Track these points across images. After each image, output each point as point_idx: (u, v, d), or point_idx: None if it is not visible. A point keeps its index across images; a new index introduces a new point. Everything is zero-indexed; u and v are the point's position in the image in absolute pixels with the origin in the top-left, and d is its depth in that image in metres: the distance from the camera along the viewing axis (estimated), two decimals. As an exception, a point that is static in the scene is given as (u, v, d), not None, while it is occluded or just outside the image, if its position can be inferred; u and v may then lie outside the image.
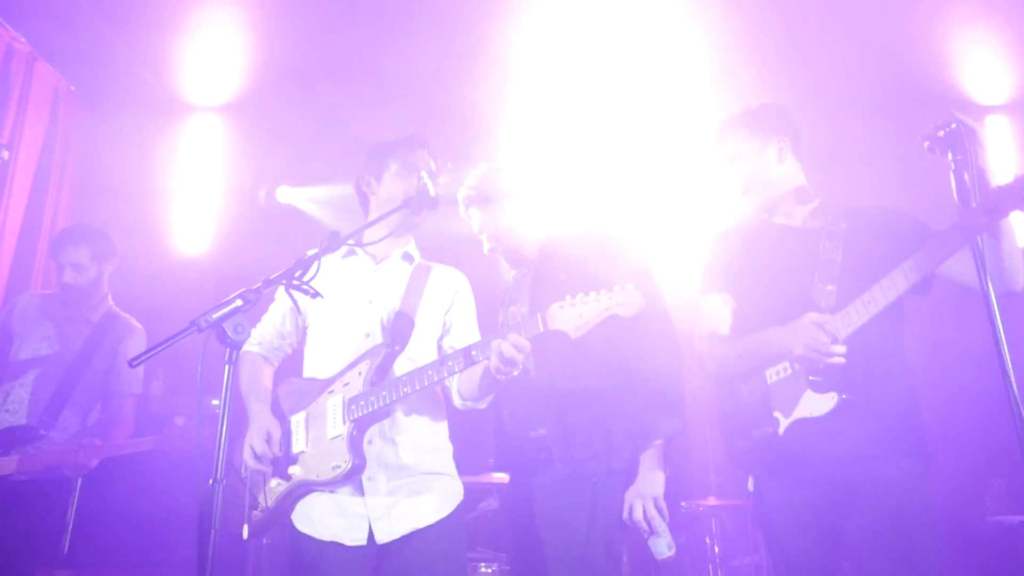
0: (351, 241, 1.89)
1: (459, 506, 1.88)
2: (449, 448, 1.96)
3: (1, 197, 3.38)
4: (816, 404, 1.72)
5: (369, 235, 1.92)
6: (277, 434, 1.81)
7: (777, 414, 1.79)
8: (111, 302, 2.79)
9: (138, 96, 4.05)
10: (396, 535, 1.78)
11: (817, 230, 1.92)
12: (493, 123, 4.10)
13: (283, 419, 1.88)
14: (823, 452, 1.71)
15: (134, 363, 1.40)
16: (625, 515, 1.89)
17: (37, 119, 3.67)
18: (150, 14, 3.53)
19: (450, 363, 1.73)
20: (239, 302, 1.51)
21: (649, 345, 1.95)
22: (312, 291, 1.65)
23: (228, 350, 1.48)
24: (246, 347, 2.01)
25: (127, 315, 2.80)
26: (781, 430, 1.77)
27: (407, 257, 2.03)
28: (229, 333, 1.48)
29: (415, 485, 1.83)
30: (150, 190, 4.20)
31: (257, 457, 1.78)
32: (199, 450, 1.37)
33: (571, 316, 1.61)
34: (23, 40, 3.56)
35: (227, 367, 1.47)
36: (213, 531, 1.38)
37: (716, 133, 2.06)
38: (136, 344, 2.73)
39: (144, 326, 2.80)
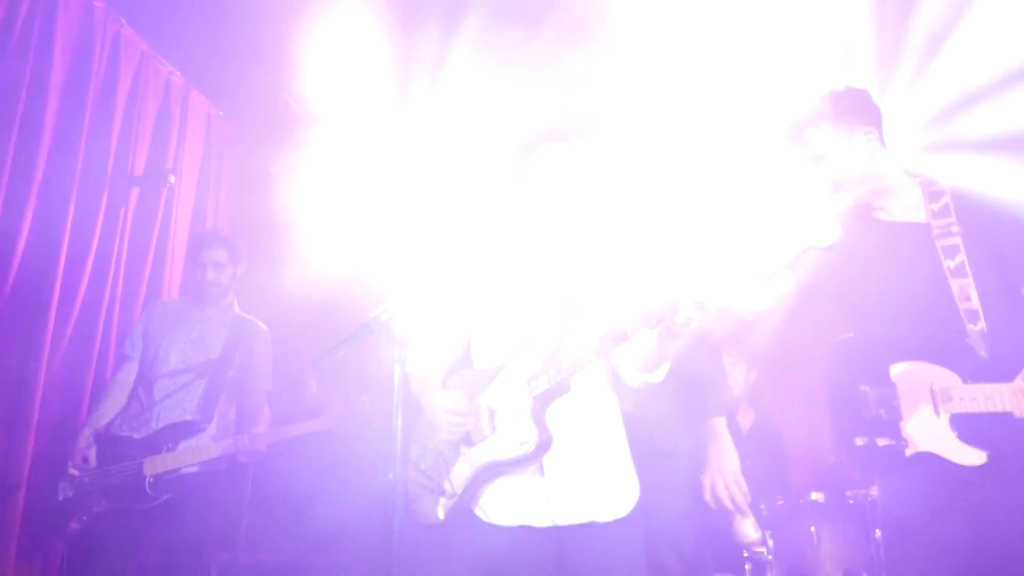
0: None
1: (637, 506, 1.84)
2: (625, 441, 1.92)
3: (170, 217, 3.70)
4: (961, 453, 1.62)
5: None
6: (462, 399, 1.83)
7: (908, 435, 1.67)
8: (237, 306, 3.01)
9: (276, 114, 4.32)
10: (576, 520, 1.77)
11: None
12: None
13: None
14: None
15: (317, 363, 1.48)
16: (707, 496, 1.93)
17: (194, 144, 4.00)
18: (287, 41, 3.74)
19: (633, 324, 1.67)
20: (403, 304, 1.57)
21: None
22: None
23: (396, 348, 1.54)
24: (414, 366, 2.01)
25: (252, 317, 3.03)
26: (908, 452, 1.67)
27: (569, 238, 2.00)
28: (397, 332, 1.54)
29: (595, 471, 1.81)
30: (292, 202, 4.46)
31: (453, 413, 1.80)
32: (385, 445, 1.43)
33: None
34: (178, 74, 3.89)
35: (396, 365, 1.53)
36: (396, 521, 1.44)
37: (793, 129, 1.87)
38: (265, 344, 2.96)
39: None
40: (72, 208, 3.14)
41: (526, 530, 1.79)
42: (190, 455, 2.60)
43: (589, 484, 1.80)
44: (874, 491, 2.52)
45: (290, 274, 4.41)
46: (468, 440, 1.84)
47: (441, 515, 1.86)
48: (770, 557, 2.67)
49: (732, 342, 3.46)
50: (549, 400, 1.80)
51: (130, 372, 2.84)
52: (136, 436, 2.64)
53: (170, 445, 2.61)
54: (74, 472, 2.56)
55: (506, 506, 1.82)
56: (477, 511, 1.86)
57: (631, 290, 1.92)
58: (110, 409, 2.76)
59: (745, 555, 2.63)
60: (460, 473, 1.85)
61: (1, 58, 2.86)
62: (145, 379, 2.77)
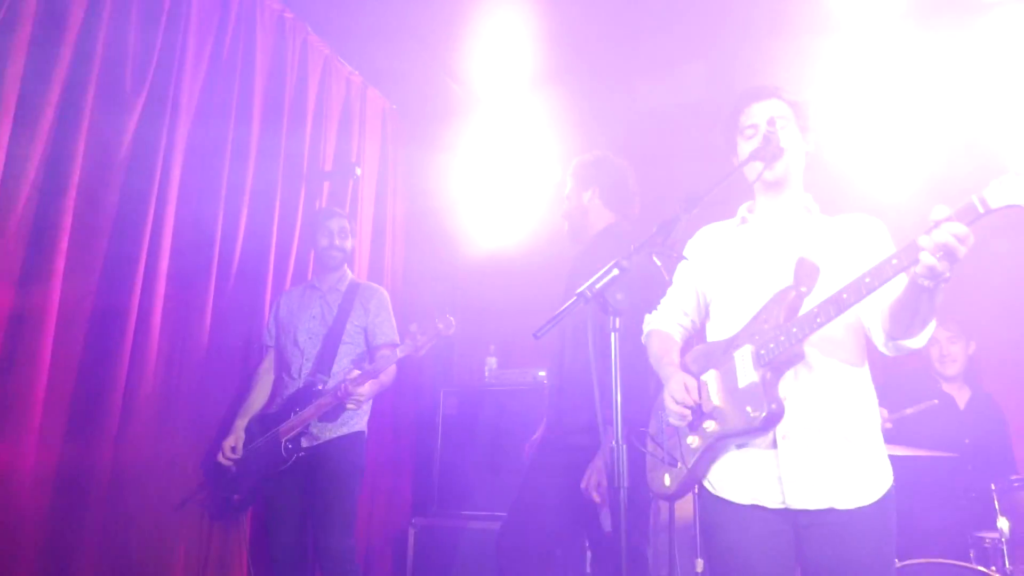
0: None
1: (889, 493, 1.71)
2: (877, 414, 1.79)
3: (356, 207, 3.97)
4: None
5: (760, 202, 1.93)
6: (693, 384, 1.81)
7: None
8: (351, 273, 3.20)
9: (444, 102, 4.49)
10: (811, 506, 1.68)
11: None
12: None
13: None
14: None
15: (538, 335, 1.53)
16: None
17: (373, 138, 4.25)
18: (449, 27, 3.86)
19: (868, 279, 1.53)
20: (616, 272, 1.58)
21: None
22: (676, 254, 1.65)
23: (611, 318, 1.55)
24: (653, 325, 2.06)
25: (367, 282, 3.24)
26: None
27: (807, 211, 1.94)
28: (610, 301, 1.55)
29: (836, 452, 1.70)
30: (462, 184, 4.63)
31: (678, 403, 1.79)
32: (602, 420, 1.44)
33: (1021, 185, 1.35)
34: (357, 73, 4.15)
35: (612, 335, 1.54)
36: (621, 490, 1.46)
37: None
38: (382, 300, 3.12)
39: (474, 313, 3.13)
40: (278, 205, 3.46)
41: (757, 509, 1.73)
42: (311, 412, 2.82)
43: (828, 465, 1.69)
44: None
45: (461, 254, 4.60)
46: (699, 414, 1.80)
47: (668, 483, 1.85)
48: (1004, 540, 2.43)
49: (951, 316, 3.17)
50: (781, 370, 1.71)
51: (270, 360, 3.13)
52: (274, 410, 2.94)
53: (297, 409, 2.86)
54: (223, 462, 2.89)
55: (735, 482, 1.77)
56: (706, 484, 1.84)
57: (870, 250, 1.76)
58: (258, 398, 3.05)
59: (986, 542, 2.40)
60: (691, 446, 1.82)
61: (216, 74, 3.19)
62: (284, 361, 3.04)
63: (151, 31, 2.88)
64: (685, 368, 1.91)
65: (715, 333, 1.93)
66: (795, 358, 1.68)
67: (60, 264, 2.45)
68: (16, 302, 2.38)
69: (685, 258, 1.68)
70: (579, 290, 1.56)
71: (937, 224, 1.40)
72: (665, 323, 2.05)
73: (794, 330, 1.64)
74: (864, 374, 1.79)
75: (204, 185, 3.10)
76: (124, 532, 2.66)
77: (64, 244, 2.47)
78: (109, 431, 2.62)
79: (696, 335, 2.05)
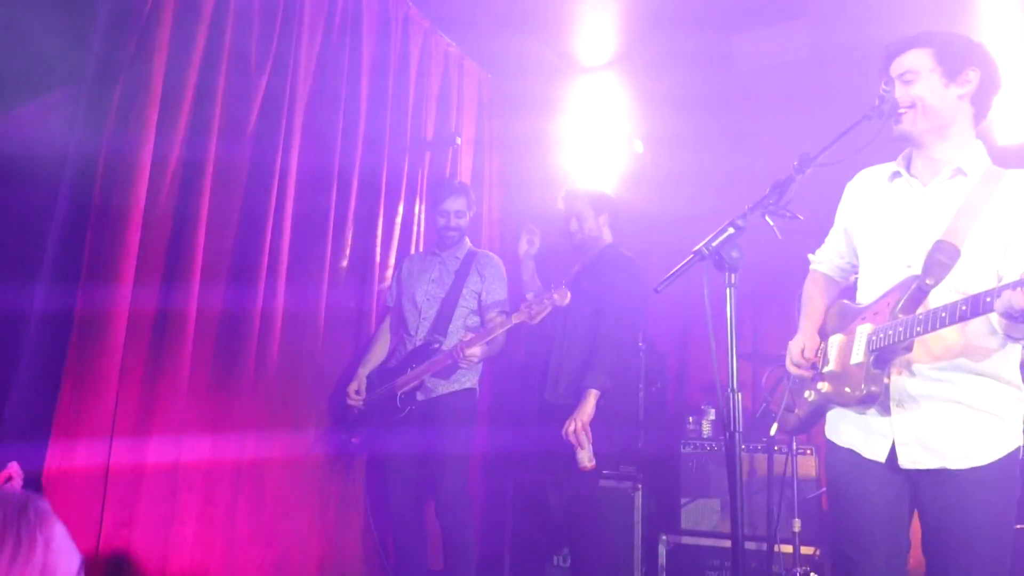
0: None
1: (1011, 453, 1.70)
2: (1012, 390, 1.75)
3: (455, 176, 4.11)
4: None
5: (916, 154, 1.86)
6: (812, 348, 1.94)
7: None
8: (469, 243, 3.37)
9: (539, 69, 4.56)
10: (920, 465, 1.73)
11: None
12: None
13: (824, 337, 1.99)
14: None
15: (659, 289, 1.62)
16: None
17: (470, 107, 4.38)
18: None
19: (963, 308, 1.53)
20: (731, 230, 1.65)
21: None
22: (790, 214, 1.70)
23: (727, 273, 1.62)
24: (813, 265, 2.14)
25: (484, 250, 3.41)
26: None
27: (958, 172, 1.79)
28: (726, 258, 1.62)
29: (951, 418, 1.71)
30: (557, 149, 4.71)
31: (794, 363, 1.94)
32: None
33: None
34: (454, 45, 4.27)
35: (728, 290, 1.62)
36: (736, 433, 1.55)
37: None
38: (497, 268, 3.29)
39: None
40: (384, 174, 3.65)
41: (873, 463, 1.81)
42: (426, 369, 3.04)
43: (941, 431, 1.72)
44: None
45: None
46: (821, 370, 1.92)
47: (773, 431, 2.14)
48: None
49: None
50: (888, 357, 1.75)
51: (391, 319, 3.37)
52: (393, 365, 3.20)
53: (414, 365, 3.09)
54: (351, 402, 3.19)
55: (852, 436, 1.86)
56: (828, 432, 1.95)
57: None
58: (378, 352, 3.32)
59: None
60: (806, 399, 1.96)
61: (327, 49, 3.37)
62: (403, 320, 3.29)
63: (271, 13, 3.07)
64: (824, 322, 1.98)
65: (861, 291, 1.97)
66: (903, 351, 1.72)
67: (201, 233, 2.71)
68: (167, 267, 2.65)
69: (799, 218, 1.71)
70: (696, 247, 1.63)
71: (1020, 284, 1.39)
72: (824, 263, 2.13)
73: (901, 329, 1.67)
74: (994, 356, 1.73)
75: (320, 160, 3.31)
76: (259, 475, 2.94)
77: (204, 210, 2.72)
78: (247, 383, 2.90)
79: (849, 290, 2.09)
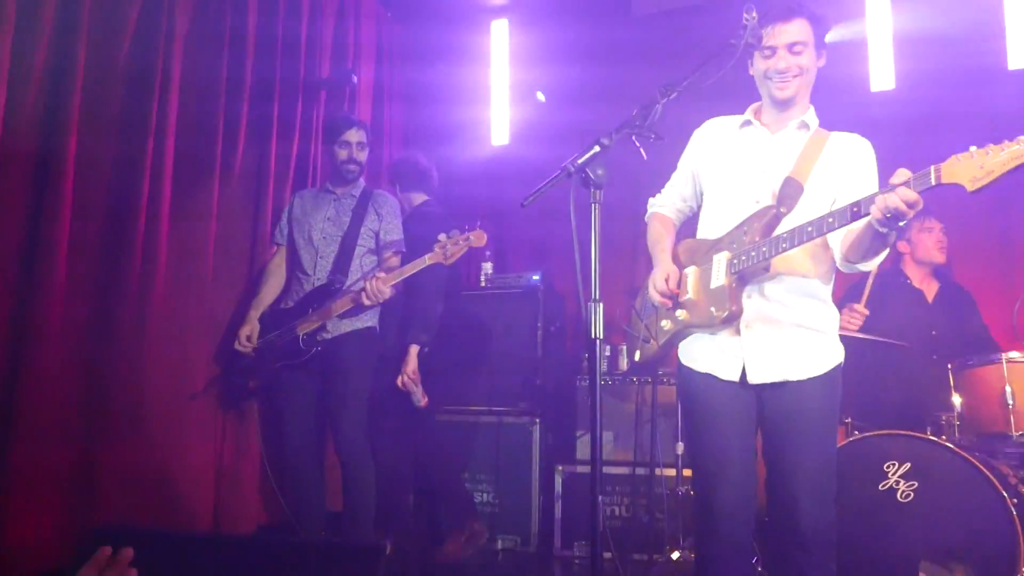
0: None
1: (836, 367, 1.95)
2: (833, 310, 2.02)
3: (352, 113, 4.01)
4: None
5: (766, 108, 2.05)
6: (675, 276, 2.05)
7: None
8: (363, 181, 3.31)
9: (438, 14, 4.48)
10: (767, 379, 1.92)
11: None
12: None
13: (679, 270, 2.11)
14: None
15: (525, 203, 1.66)
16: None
17: (369, 45, 4.27)
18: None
19: (831, 219, 1.73)
20: (597, 148, 1.69)
21: None
22: (655, 136, 1.77)
23: (592, 190, 1.68)
24: (655, 209, 2.26)
25: (379, 190, 3.35)
26: None
27: (803, 126, 2.03)
28: (592, 176, 1.68)
29: (791, 338, 1.92)
30: (458, 92, 4.66)
31: (659, 292, 2.04)
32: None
33: (970, 167, 1.51)
34: (351, -21, 4.12)
35: (593, 206, 1.68)
36: (597, 341, 1.63)
37: None
38: (393, 206, 3.26)
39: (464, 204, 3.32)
40: (276, 115, 3.53)
41: (713, 377, 1.99)
42: (329, 311, 3.00)
43: (783, 348, 1.92)
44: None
45: (457, 161, 4.67)
46: (675, 302, 2.04)
47: (638, 358, 2.17)
48: (956, 415, 2.65)
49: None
50: (747, 279, 1.92)
51: (282, 257, 3.27)
52: (291, 306, 3.12)
53: (315, 306, 3.03)
54: (240, 349, 3.08)
55: (704, 357, 2.01)
56: (681, 358, 2.09)
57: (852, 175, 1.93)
58: (269, 292, 3.21)
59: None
60: (663, 328, 2.08)
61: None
62: (297, 260, 3.19)
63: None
64: (675, 257, 2.13)
65: (705, 230, 2.11)
66: (761, 271, 1.91)
67: (71, 165, 2.55)
68: (33, 195, 2.50)
69: (663, 139, 1.78)
70: (563, 164, 1.68)
71: (893, 188, 1.58)
72: (665, 207, 2.26)
73: (764, 249, 1.85)
74: (824, 286, 1.99)
75: (202, 100, 3.16)
76: (143, 423, 2.85)
77: (73, 141, 2.56)
78: (125, 322, 2.79)
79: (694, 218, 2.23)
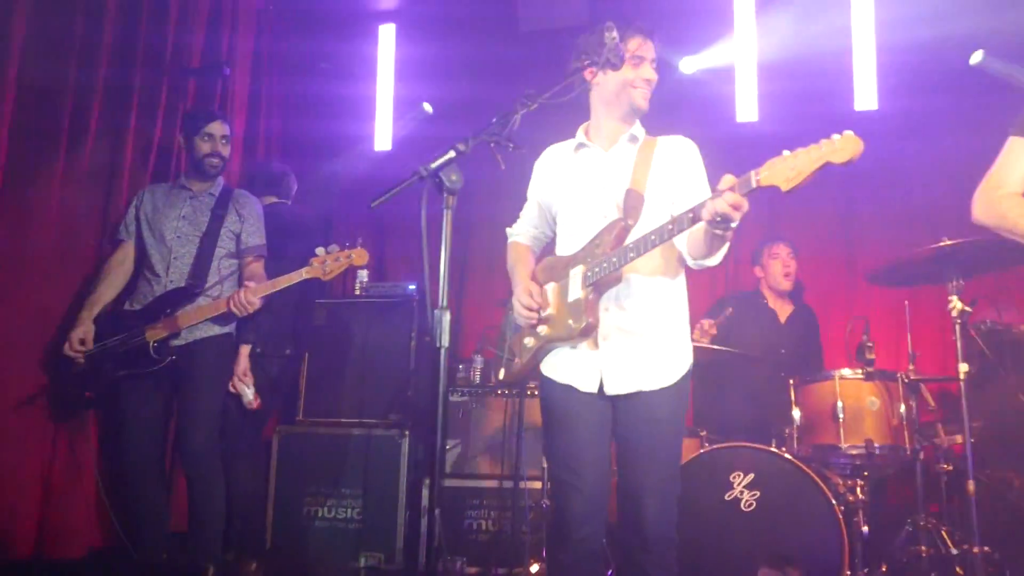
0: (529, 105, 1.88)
1: (685, 375, 2.03)
2: (685, 316, 2.11)
3: (226, 111, 3.82)
4: None
5: (597, 127, 2.14)
6: (537, 291, 2.09)
7: None
8: (221, 180, 3.15)
9: (324, 13, 4.37)
10: (622, 391, 1.98)
11: None
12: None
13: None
14: None
15: (374, 205, 1.62)
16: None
17: (247, 39, 4.09)
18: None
19: (671, 227, 1.81)
20: (452, 153, 1.68)
21: None
22: (513, 145, 1.77)
23: (446, 195, 1.66)
24: (512, 238, 2.32)
25: (239, 190, 3.18)
26: None
27: (632, 139, 2.13)
28: (445, 181, 1.66)
29: (645, 348, 1.99)
30: (342, 100, 4.56)
31: (524, 307, 2.07)
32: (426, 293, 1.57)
33: (783, 170, 1.62)
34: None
35: (446, 212, 1.65)
36: (442, 349, 1.60)
37: None
38: (254, 208, 3.10)
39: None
40: (135, 100, 3.30)
41: (573, 388, 2.03)
42: (187, 318, 2.80)
43: (638, 359, 1.99)
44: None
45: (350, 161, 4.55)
46: (539, 317, 2.08)
47: (503, 376, 2.21)
48: (795, 427, 2.83)
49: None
50: (602, 290, 1.99)
51: (126, 254, 3.01)
52: (137, 308, 2.87)
53: (168, 311, 2.81)
54: (70, 354, 2.78)
55: (565, 370, 2.05)
56: (543, 370, 2.12)
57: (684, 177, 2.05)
58: (107, 291, 2.94)
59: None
60: (527, 344, 2.12)
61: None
62: (146, 259, 2.95)
63: None
64: (534, 278, 2.18)
65: (562, 248, 2.18)
66: (615, 281, 1.98)
67: None
68: None
69: (522, 148, 1.80)
70: (419, 168, 1.65)
71: (720, 193, 1.67)
72: (520, 234, 2.32)
73: (614, 259, 1.92)
74: (675, 285, 2.09)
75: (51, 66, 2.90)
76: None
77: None
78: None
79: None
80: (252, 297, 2.76)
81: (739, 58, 4.17)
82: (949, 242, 2.61)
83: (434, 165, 1.65)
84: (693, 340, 2.34)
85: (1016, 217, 1.78)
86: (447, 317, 1.62)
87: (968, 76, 3.83)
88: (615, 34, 1.97)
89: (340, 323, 3.95)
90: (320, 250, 2.79)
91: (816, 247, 3.82)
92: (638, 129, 2.14)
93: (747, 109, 4.10)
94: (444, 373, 1.58)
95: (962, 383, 2.60)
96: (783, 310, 3.65)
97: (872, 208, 4.19)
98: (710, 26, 4.14)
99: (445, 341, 1.60)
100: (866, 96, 3.90)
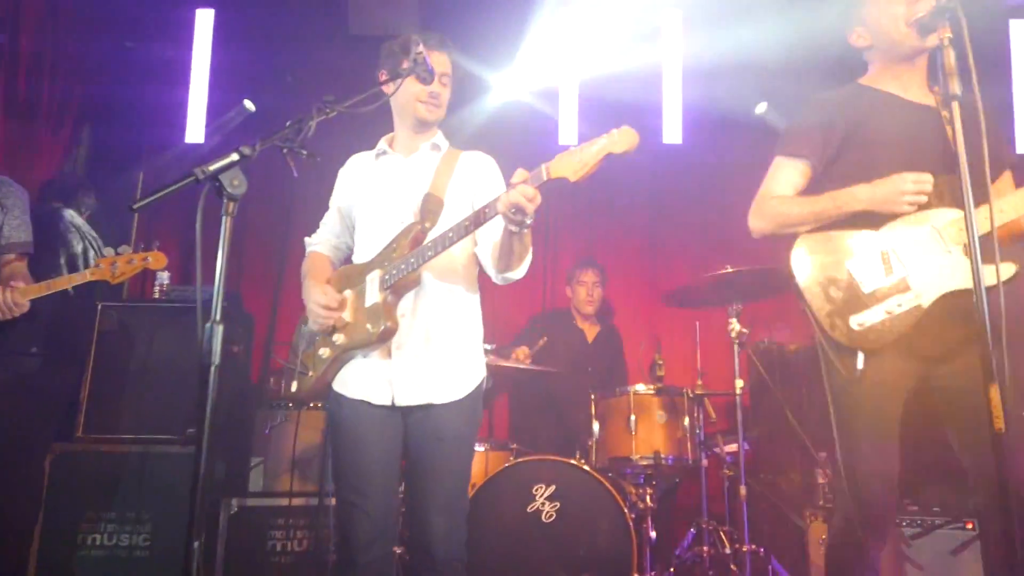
0: (332, 113, 1.81)
1: (475, 390, 2.03)
2: (479, 329, 2.10)
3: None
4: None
5: (398, 137, 2.15)
6: (332, 291, 2.02)
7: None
8: None
9: None
10: (413, 402, 1.95)
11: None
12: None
13: None
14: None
15: (135, 208, 1.47)
16: None
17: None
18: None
19: (466, 223, 1.83)
20: (236, 156, 1.56)
21: None
22: (307, 153, 1.70)
23: (225, 201, 1.54)
24: (310, 248, 2.24)
25: (6, 177, 2.88)
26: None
27: (435, 147, 2.14)
28: (226, 186, 1.54)
29: (439, 359, 1.98)
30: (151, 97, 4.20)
31: (323, 306, 1.98)
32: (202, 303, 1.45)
33: (570, 162, 1.69)
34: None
35: (224, 218, 1.54)
36: (212, 367, 1.49)
37: None
38: (20, 198, 2.79)
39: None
40: None
41: (365, 403, 1.97)
42: None
43: (430, 370, 1.97)
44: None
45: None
46: (333, 328, 2.01)
47: (295, 389, 2.08)
48: (594, 439, 2.97)
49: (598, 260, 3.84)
50: (401, 293, 1.96)
51: None
52: None
53: None
54: None
55: (355, 382, 1.99)
56: (335, 387, 2.03)
57: (483, 186, 2.08)
58: None
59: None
60: (322, 356, 2.02)
61: None
62: None
63: None
64: (331, 286, 2.09)
65: (358, 255, 2.13)
66: (412, 283, 1.97)
67: None
68: None
69: (316, 157, 1.72)
70: (193, 169, 1.52)
71: (513, 186, 1.71)
72: (319, 244, 2.25)
73: (412, 260, 1.91)
74: (472, 300, 2.10)
75: None
76: None
77: None
78: None
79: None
80: (19, 298, 2.48)
81: (563, 82, 4.35)
82: (731, 269, 2.87)
83: (213, 167, 1.52)
84: (510, 363, 2.39)
85: (787, 208, 1.96)
86: (220, 332, 1.50)
87: (760, 120, 4.31)
88: (422, 48, 1.96)
89: (130, 329, 3.59)
90: (109, 251, 2.58)
91: (624, 271, 4.08)
92: (441, 139, 2.17)
93: (569, 132, 4.29)
94: (212, 393, 1.46)
95: (737, 397, 2.87)
96: (591, 330, 3.84)
97: (675, 236, 4.56)
98: (534, 48, 4.28)
99: (216, 359, 1.48)
100: (672, 130, 4.22)
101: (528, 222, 1.77)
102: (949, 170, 1.74)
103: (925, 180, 1.80)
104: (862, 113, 1.94)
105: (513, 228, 1.78)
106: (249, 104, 4.36)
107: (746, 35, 3.87)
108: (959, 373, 1.80)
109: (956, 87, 1.67)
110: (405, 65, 1.92)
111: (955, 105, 1.66)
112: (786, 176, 2.02)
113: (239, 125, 4.36)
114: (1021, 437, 1.60)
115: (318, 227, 2.27)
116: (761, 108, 4.28)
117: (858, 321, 1.81)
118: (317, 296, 2.01)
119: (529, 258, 1.98)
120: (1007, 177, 1.97)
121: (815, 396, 3.70)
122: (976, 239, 1.56)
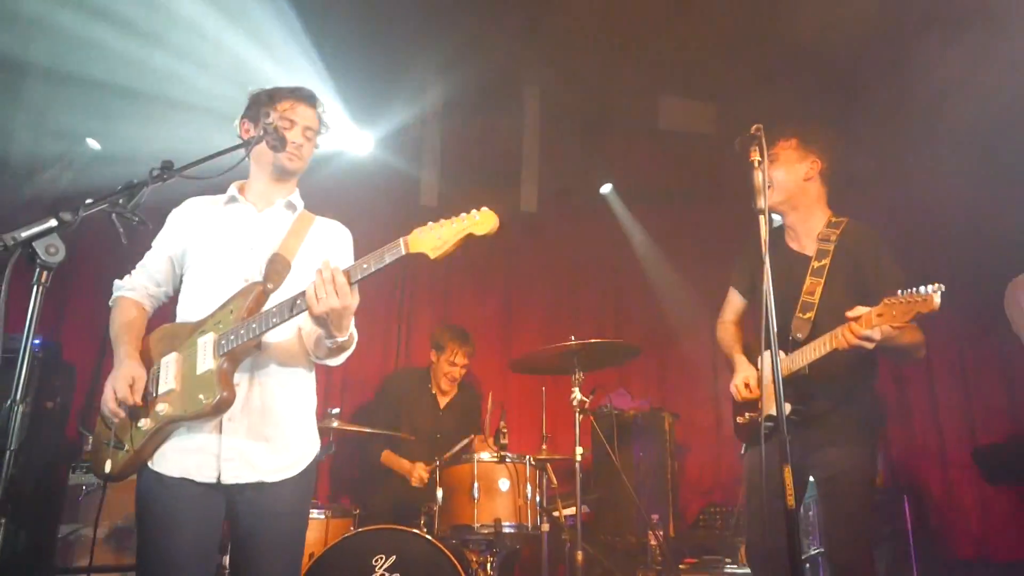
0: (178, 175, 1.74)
1: (310, 465, 1.94)
2: (313, 403, 2.02)
3: None
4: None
5: (253, 185, 2.05)
6: (142, 381, 1.81)
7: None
8: None
9: None
10: (243, 480, 1.82)
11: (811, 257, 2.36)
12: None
13: (151, 363, 1.88)
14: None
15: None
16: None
17: None
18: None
19: (290, 310, 1.74)
20: (54, 222, 1.46)
21: None
22: (138, 219, 1.62)
23: (38, 271, 1.43)
24: (121, 293, 2.02)
25: None
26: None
27: (290, 206, 2.06)
28: (40, 253, 1.43)
29: (272, 435, 1.87)
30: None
31: (117, 401, 1.78)
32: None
33: (431, 238, 1.68)
34: None
35: (35, 287, 1.43)
36: (8, 452, 1.36)
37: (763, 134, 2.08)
38: None
39: None
40: None
41: (187, 482, 1.81)
42: None
43: (262, 447, 1.85)
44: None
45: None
46: (156, 395, 1.83)
47: (108, 468, 1.85)
48: (437, 507, 2.95)
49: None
50: (238, 360, 1.83)
51: None
52: None
53: None
54: None
55: (175, 458, 1.82)
56: (150, 463, 1.84)
57: (335, 255, 1.98)
58: None
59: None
60: (141, 428, 1.82)
61: None
62: None
63: None
64: (147, 349, 1.92)
65: (185, 312, 1.96)
66: (251, 350, 1.85)
67: None
68: None
69: (146, 224, 1.64)
70: (2, 235, 1.40)
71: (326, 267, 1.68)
72: (134, 289, 2.03)
73: (254, 326, 1.78)
74: (308, 376, 2.01)
75: None
76: None
77: None
78: None
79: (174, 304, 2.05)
80: None
81: (427, 144, 4.44)
82: (575, 341, 3.01)
83: (26, 234, 1.41)
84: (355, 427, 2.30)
85: (721, 339, 2.61)
86: (20, 413, 1.37)
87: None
88: (272, 119, 1.93)
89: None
90: None
91: (482, 336, 4.14)
92: (297, 198, 2.09)
93: (430, 194, 4.36)
94: (5, 481, 1.33)
95: (577, 464, 2.98)
96: (444, 397, 3.84)
97: (527, 304, 4.72)
98: (401, 109, 4.34)
99: (14, 443, 1.35)
100: (529, 198, 4.41)
101: (338, 338, 1.75)
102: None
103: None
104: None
105: (324, 337, 1.75)
106: (93, 143, 4.08)
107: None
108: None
109: (762, 203, 1.94)
110: (259, 126, 1.90)
111: (761, 218, 1.93)
112: (728, 301, 2.64)
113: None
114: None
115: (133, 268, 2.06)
116: (606, 189, 4.62)
117: None
118: (119, 384, 1.79)
119: (349, 352, 1.91)
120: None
121: (650, 460, 3.94)
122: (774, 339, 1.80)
